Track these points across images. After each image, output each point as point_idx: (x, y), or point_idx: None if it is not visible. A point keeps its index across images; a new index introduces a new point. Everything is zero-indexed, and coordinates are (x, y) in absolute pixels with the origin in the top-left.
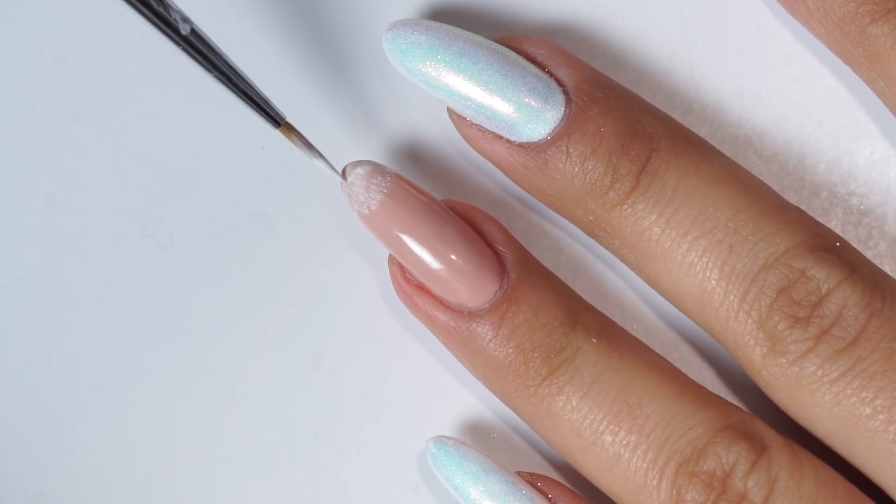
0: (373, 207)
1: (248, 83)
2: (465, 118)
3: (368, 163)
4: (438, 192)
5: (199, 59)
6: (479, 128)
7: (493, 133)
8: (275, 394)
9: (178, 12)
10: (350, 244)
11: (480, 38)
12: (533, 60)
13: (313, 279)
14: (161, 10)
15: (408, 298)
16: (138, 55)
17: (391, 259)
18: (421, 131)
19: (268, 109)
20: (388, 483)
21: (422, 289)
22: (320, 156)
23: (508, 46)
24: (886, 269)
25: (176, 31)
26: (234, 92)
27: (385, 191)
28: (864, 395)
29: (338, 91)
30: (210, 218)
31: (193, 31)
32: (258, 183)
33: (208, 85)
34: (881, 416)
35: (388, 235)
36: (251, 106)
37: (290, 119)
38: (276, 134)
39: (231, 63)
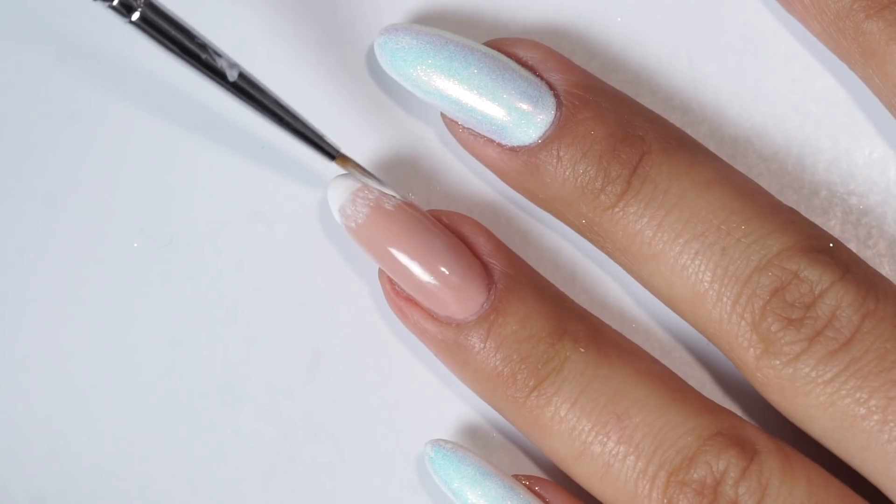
0: (359, 221)
1: (300, 120)
2: (457, 122)
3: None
4: (435, 196)
5: (249, 101)
6: (471, 132)
7: (485, 137)
8: (274, 393)
9: (226, 58)
10: (349, 243)
11: (471, 42)
12: (524, 64)
13: (312, 278)
14: (208, 58)
15: (398, 310)
16: (139, 55)
17: (381, 271)
18: (417, 134)
19: (321, 144)
20: (387, 483)
21: (411, 301)
22: (378, 180)
23: (500, 49)
24: (885, 268)
25: (223, 77)
26: (286, 130)
27: (372, 204)
28: (858, 395)
29: (332, 96)
30: (210, 218)
31: (242, 76)
32: (258, 183)
33: (208, 85)
34: (875, 417)
35: (376, 248)
36: (304, 141)
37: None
38: (275, 134)
39: (281, 101)
